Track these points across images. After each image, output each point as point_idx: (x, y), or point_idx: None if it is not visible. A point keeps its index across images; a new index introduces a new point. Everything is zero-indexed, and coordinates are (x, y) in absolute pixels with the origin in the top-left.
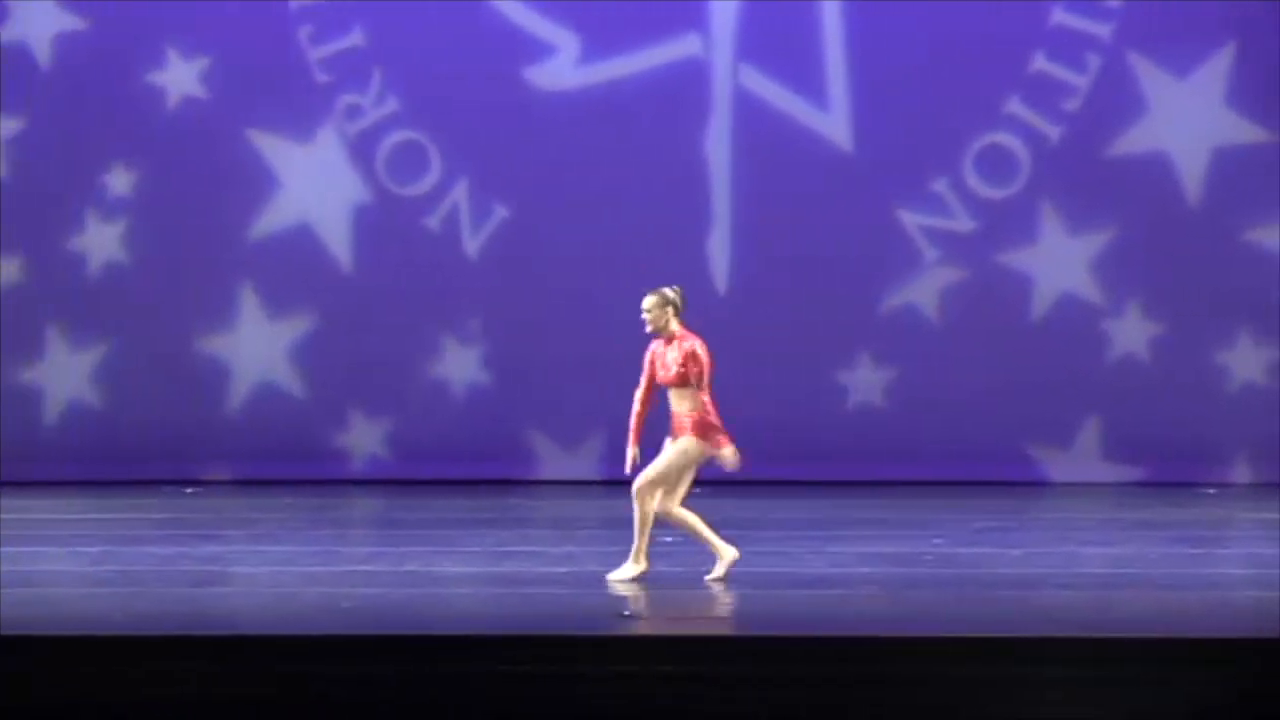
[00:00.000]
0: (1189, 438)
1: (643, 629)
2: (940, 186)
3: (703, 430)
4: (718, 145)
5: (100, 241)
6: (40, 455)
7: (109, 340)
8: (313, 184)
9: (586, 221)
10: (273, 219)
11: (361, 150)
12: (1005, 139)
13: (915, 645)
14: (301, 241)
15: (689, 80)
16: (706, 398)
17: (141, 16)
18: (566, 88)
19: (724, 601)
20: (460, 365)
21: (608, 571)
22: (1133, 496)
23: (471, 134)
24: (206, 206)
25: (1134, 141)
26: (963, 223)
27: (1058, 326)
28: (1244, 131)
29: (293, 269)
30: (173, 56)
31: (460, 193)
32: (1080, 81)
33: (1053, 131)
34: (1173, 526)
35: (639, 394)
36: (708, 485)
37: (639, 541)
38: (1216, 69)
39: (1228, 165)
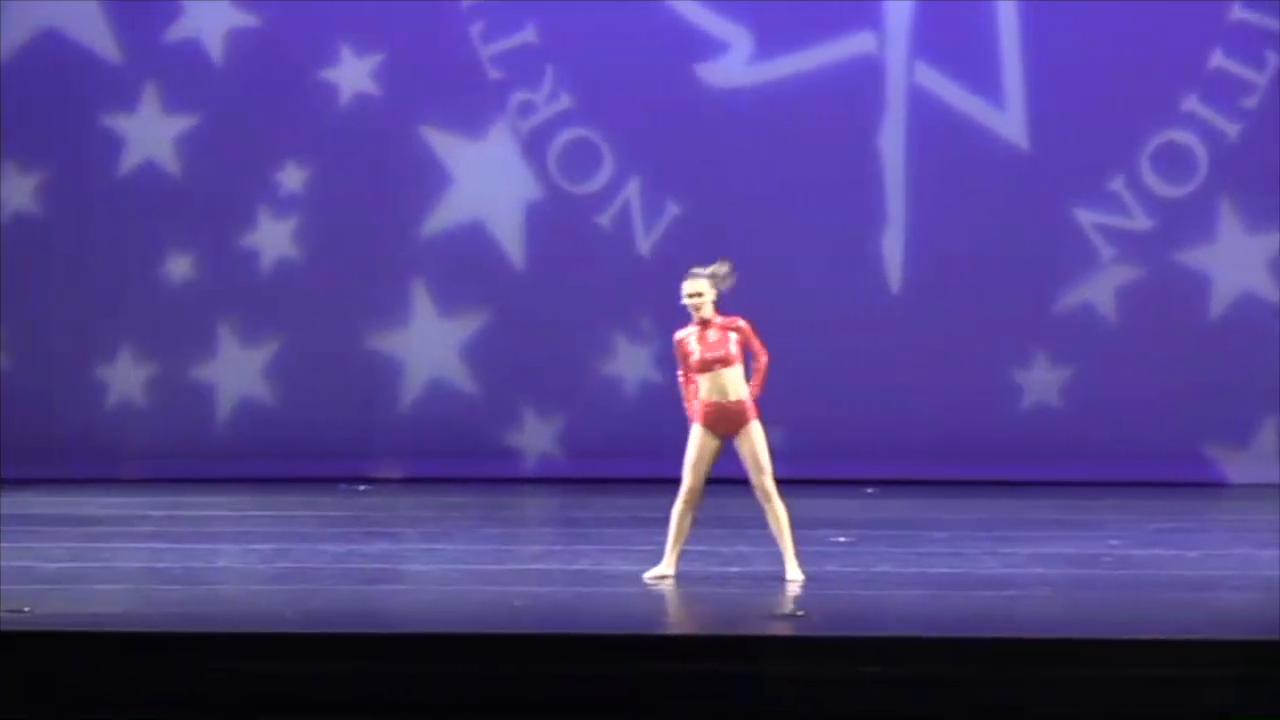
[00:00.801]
0: None
1: (816, 629)
2: (1117, 185)
3: (756, 409)
4: (892, 143)
5: (272, 238)
6: (213, 452)
7: (281, 337)
8: (485, 181)
9: (759, 220)
10: (445, 216)
11: (534, 147)
12: (1182, 136)
13: (1090, 647)
14: (473, 238)
15: (863, 78)
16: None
17: (314, 13)
18: (739, 85)
19: (898, 602)
20: (632, 363)
21: (780, 571)
22: None
23: (644, 131)
24: (378, 203)
25: None
26: (1139, 221)
27: (1236, 325)
28: None
29: (464, 266)
30: (345, 53)
31: (632, 191)
32: (1259, 78)
33: (1231, 129)
34: None
35: (683, 381)
36: (880, 485)
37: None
38: None
39: None
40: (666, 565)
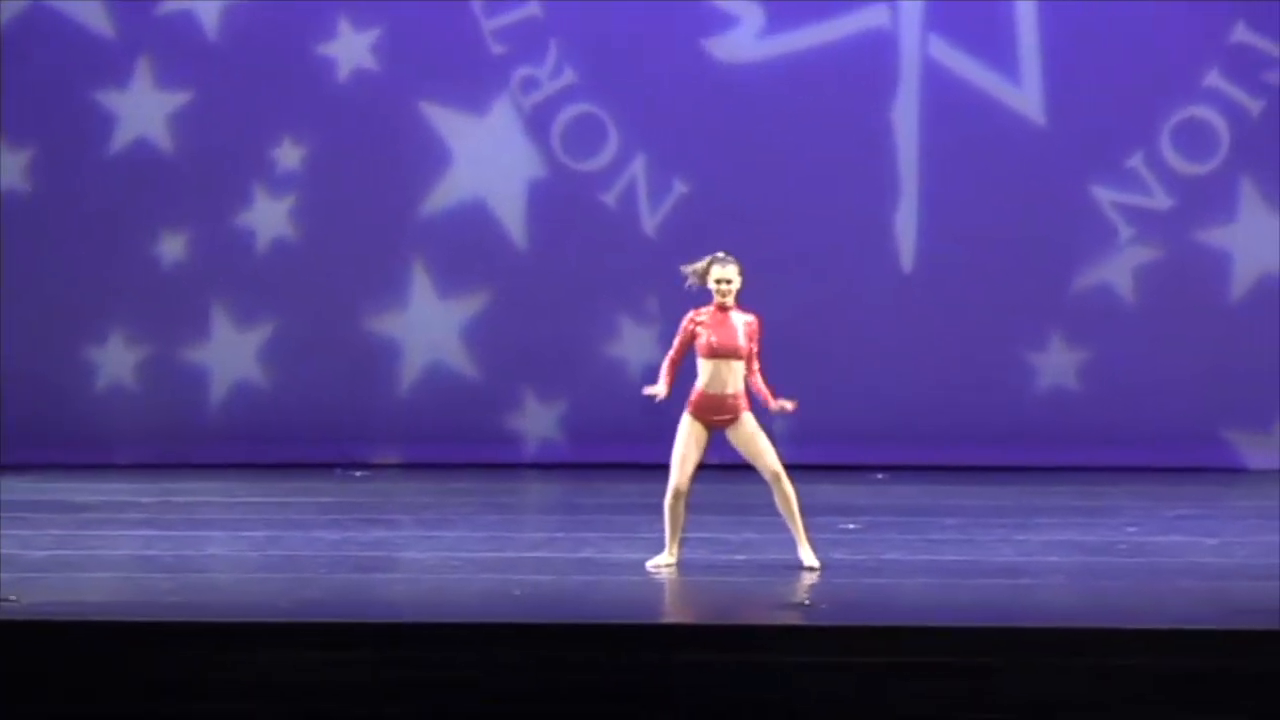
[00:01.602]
0: None
1: (824, 619)
2: (1136, 162)
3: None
4: (905, 119)
5: (268, 217)
6: (206, 437)
7: (276, 319)
8: (487, 158)
9: (769, 198)
10: (445, 194)
11: (537, 124)
12: (1204, 113)
13: (1105, 637)
14: (475, 217)
15: (876, 52)
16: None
17: None
18: (749, 60)
19: (908, 591)
20: (638, 346)
21: (788, 559)
22: None
23: (650, 107)
24: (377, 181)
25: None
26: (1159, 199)
27: (1257, 307)
28: None
29: (465, 246)
30: (344, 27)
31: (638, 168)
32: None
33: (1254, 105)
34: None
35: (671, 359)
36: (891, 470)
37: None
38: None
39: None
40: (668, 554)
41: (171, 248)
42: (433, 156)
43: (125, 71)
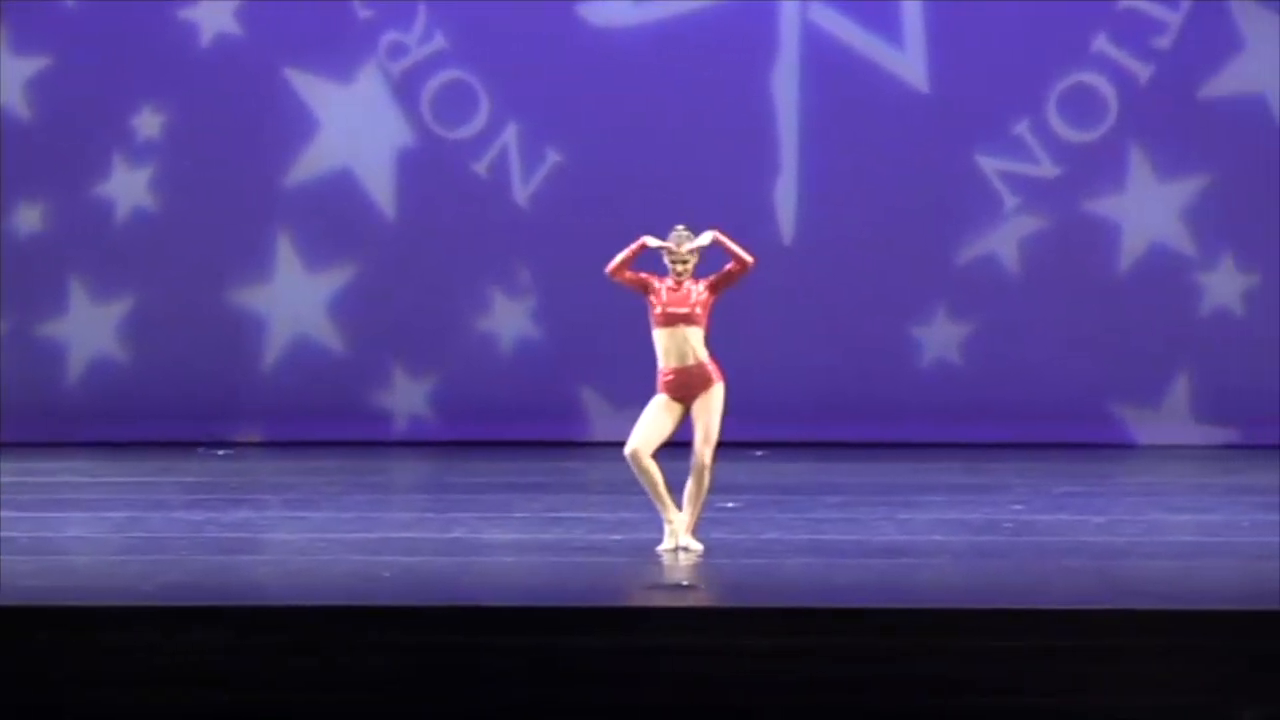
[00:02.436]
0: None
1: (701, 600)
2: (1022, 129)
3: (720, 371)
4: (785, 86)
5: (128, 187)
6: (63, 415)
7: (136, 293)
8: (354, 127)
9: (644, 168)
10: (311, 164)
11: (406, 91)
12: (1091, 79)
13: (990, 618)
14: (341, 188)
15: (754, 17)
16: None
17: None
18: (624, 25)
19: (786, 571)
20: (509, 319)
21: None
22: (1224, 460)
23: (522, 74)
24: (241, 150)
25: (1228, 82)
26: (1045, 168)
27: (1146, 279)
28: None
29: (332, 217)
30: None
31: (510, 136)
32: (1172, 18)
33: (1142, 71)
34: (1267, 492)
35: (624, 261)
36: (770, 447)
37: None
38: None
39: None
40: (668, 522)
41: (27, 219)
42: (298, 125)
43: None
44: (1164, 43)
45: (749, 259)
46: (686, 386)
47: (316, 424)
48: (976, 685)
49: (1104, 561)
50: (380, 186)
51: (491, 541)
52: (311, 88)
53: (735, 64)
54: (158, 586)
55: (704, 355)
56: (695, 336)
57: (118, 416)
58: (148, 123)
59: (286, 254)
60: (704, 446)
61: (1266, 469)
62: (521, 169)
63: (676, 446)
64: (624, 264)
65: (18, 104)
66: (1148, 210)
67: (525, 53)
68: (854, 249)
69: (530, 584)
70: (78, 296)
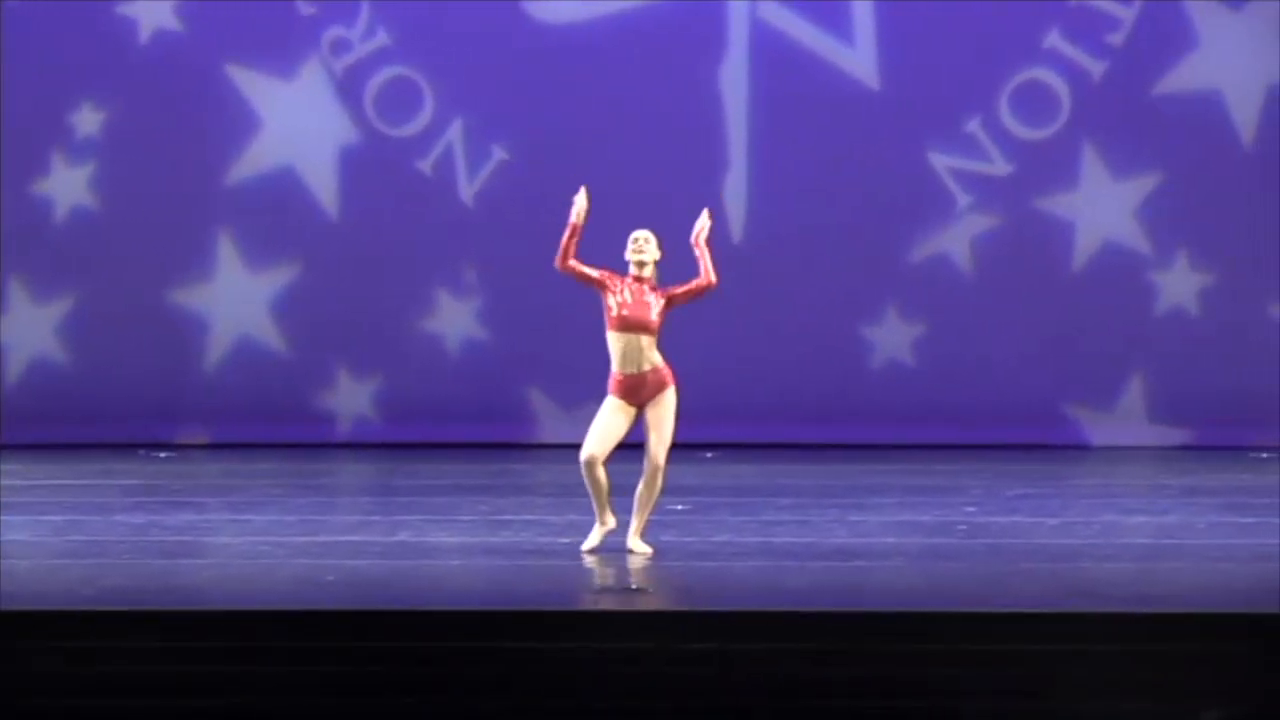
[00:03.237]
0: (1240, 397)
1: (650, 603)
2: (974, 127)
3: (672, 374)
4: (734, 83)
5: (67, 186)
6: (2, 417)
7: (77, 293)
8: (296, 124)
9: (591, 166)
10: (253, 162)
11: (349, 87)
12: (1044, 75)
13: (944, 620)
14: (284, 186)
15: (703, 13)
16: None
17: None
18: (570, 21)
19: (737, 574)
20: (455, 320)
21: (615, 540)
22: (1179, 461)
23: (468, 70)
24: (182, 148)
25: (1182, 78)
26: (998, 166)
27: (1100, 278)
28: None
29: (274, 216)
30: None
31: (455, 134)
32: (1125, 14)
33: (1095, 67)
34: (1222, 493)
35: (568, 244)
36: (720, 449)
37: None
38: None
39: None
40: (599, 525)
41: None
42: (240, 122)
43: None
44: (1117, 39)
45: (714, 279)
46: (639, 390)
47: (260, 426)
48: (931, 688)
49: (1059, 563)
50: (323, 185)
51: (438, 545)
52: (253, 85)
53: (683, 61)
54: (98, 591)
55: (658, 360)
56: (650, 343)
57: (58, 418)
58: (87, 120)
59: (228, 253)
60: (658, 448)
61: (1222, 470)
62: (467, 167)
63: (627, 449)
64: (566, 251)
65: None
66: (1101, 208)
67: (470, 49)
68: (804, 248)
69: (477, 587)
70: (17, 296)
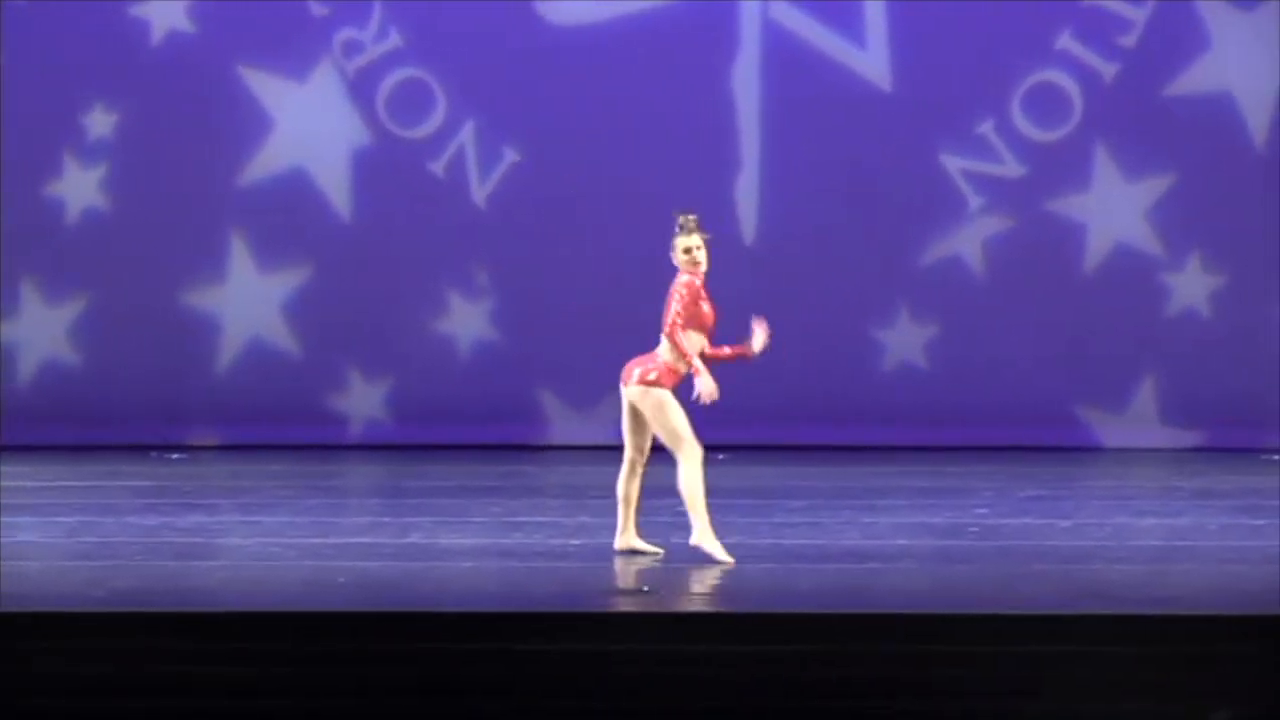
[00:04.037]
0: (1253, 399)
1: (663, 605)
2: (986, 129)
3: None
4: (746, 85)
5: (79, 187)
6: (14, 418)
7: (88, 294)
8: (309, 125)
9: (603, 168)
10: (265, 163)
11: (361, 89)
12: (1056, 77)
13: (955, 623)
14: (296, 187)
15: (715, 14)
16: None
17: None
18: (583, 22)
19: (748, 577)
20: (467, 322)
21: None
22: (1191, 463)
23: (480, 72)
24: (194, 150)
25: (1195, 80)
26: (1010, 168)
27: (1112, 279)
28: None
29: (287, 217)
30: None
31: (468, 135)
32: (1137, 15)
33: (1107, 69)
34: (1234, 495)
35: (683, 324)
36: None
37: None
38: None
39: None
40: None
41: None
42: (252, 124)
43: None
44: (1129, 41)
45: (697, 365)
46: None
47: (271, 427)
48: (942, 690)
49: (1070, 565)
50: (335, 186)
51: (449, 546)
52: (265, 86)
53: (696, 62)
54: (110, 592)
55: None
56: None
57: (69, 419)
58: (99, 121)
59: (240, 255)
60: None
61: (1233, 472)
62: (479, 169)
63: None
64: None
65: None
66: (1113, 210)
67: (483, 51)
68: (816, 249)
69: (488, 589)
70: (28, 297)
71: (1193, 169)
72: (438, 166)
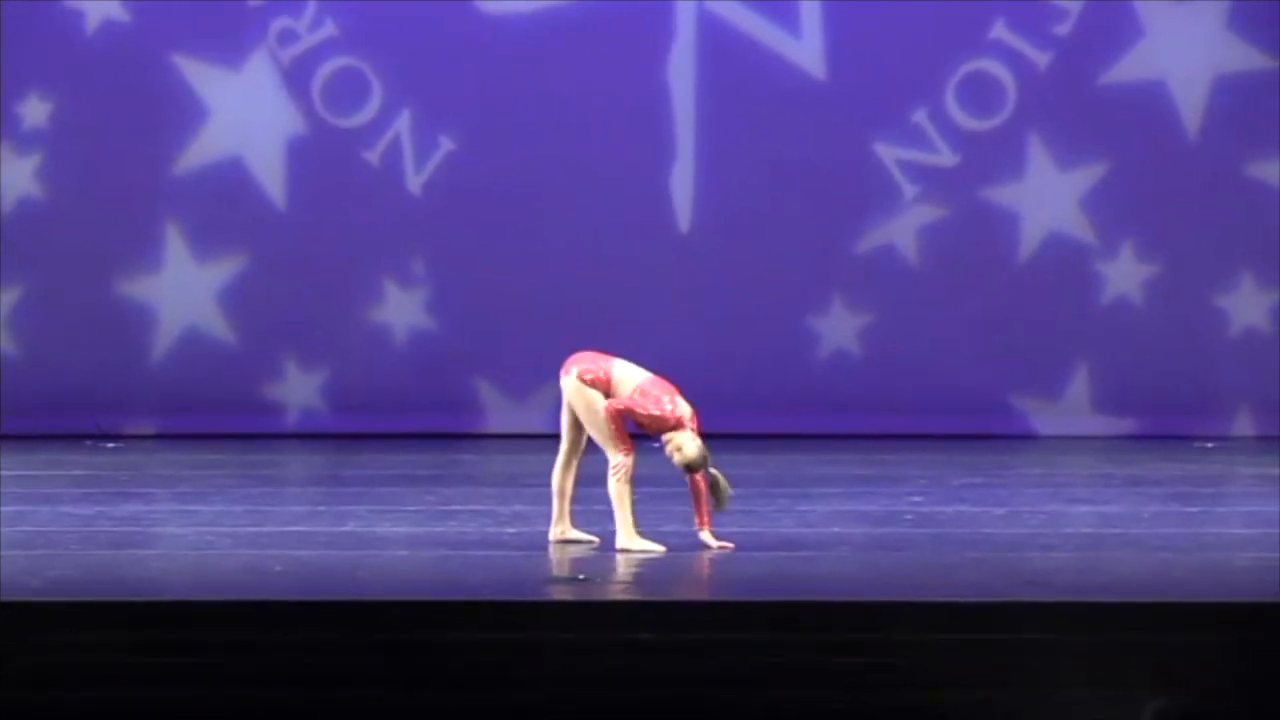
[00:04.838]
0: (1186, 387)
1: (598, 594)
2: (920, 117)
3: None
4: (680, 73)
5: (14, 176)
6: None
7: (23, 283)
8: (244, 115)
9: (539, 156)
10: (200, 152)
11: (296, 78)
12: (990, 66)
13: (890, 610)
14: (231, 176)
15: (651, 4)
16: None
17: None
18: (518, 12)
19: (684, 565)
20: (402, 310)
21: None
22: (1124, 450)
23: (415, 61)
24: (128, 139)
25: (1128, 69)
26: (944, 156)
27: (1045, 268)
28: (1246, 58)
29: (222, 206)
30: None
31: (403, 124)
32: (1071, 5)
33: (1041, 58)
34: (1167, 483)
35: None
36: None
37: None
38: None
39: (1229, 94)
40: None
41: None
42: (187, 112)
43: None
44: (1063, 30)
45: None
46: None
47: (207, 416)
48: (876, 679)
49: (1005, 553)
50: (270, 175)
51: (385, 535)
52: (200, 75)
53: (631, 51)
54: (46, 582)
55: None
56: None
57: (4, 409)
58: (34, 110)
59: (175, 244)
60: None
61: (1166, 460)
62: (415, 157)
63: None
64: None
65: None
66: (1047, 199)
67: (418, 40)
68: (751, 238)
69: (424, 578)
70: None
71: (1126, 158)
72: (373, 155)
